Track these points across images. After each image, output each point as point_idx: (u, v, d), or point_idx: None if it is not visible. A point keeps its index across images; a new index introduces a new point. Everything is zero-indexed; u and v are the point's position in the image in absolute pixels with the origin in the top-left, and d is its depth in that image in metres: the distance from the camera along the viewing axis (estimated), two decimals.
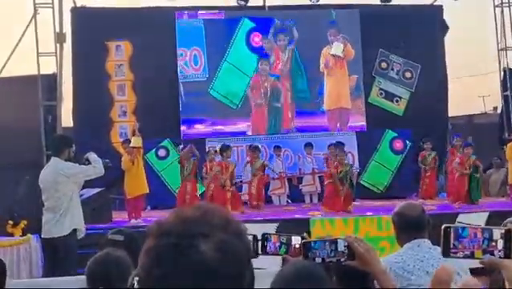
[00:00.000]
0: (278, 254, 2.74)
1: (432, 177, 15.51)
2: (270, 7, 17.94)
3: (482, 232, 1.80)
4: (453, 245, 1.79)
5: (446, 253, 1.81)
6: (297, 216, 12.80)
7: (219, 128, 16.69)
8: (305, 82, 17.37)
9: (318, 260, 2.31)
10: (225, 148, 14.25)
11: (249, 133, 16.95)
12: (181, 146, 14.56)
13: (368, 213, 12.58)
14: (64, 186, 7.73)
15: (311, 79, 17.48)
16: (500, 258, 1.78)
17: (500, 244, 1.78)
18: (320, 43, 17.63)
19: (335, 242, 2.30)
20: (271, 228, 10.42)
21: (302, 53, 17.34)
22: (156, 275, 1.29)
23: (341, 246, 2.28)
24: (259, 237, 2.82)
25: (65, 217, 7.69)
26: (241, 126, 16.81)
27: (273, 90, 17.11)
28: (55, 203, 7.73)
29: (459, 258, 1.82)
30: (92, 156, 7.97)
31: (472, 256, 1.80)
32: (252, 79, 16.93)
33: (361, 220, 11.78)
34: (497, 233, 1.79)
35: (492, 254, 1.78)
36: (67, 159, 7.82)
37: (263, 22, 17.28)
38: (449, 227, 1.81)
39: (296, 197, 16.29)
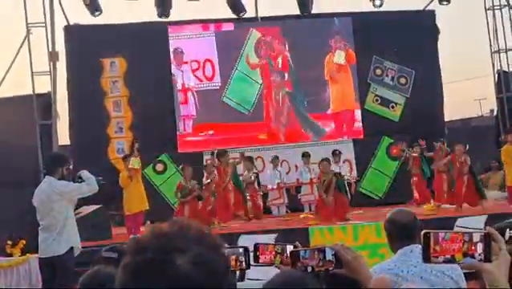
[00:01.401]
0: (272, 264, 2.75)
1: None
2: (263, 18, 18.03)
3: (463, 236, 1.80)
4: (434, 249, 1.80)
5: (427, 258, 1.81)
6: (296, 226, 12.80)
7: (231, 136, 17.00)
8: (309, 87, 17.75)
9: (309, 269, 2.32)
10: (222, 153, 14.30)
11: (263, 137, 17.31)
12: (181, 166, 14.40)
13: (367, 221, 12.58)
14: (59, 205, 7.71)
15: (314, 85, 17.78)
16: (480, 261, 1.79)
17: (480, 247, 1.78)
18: (321, 51, 17.91)
19: (323, 250, 2.30)
20: (270, 239, 10.42)
21: (305, 60, 17.60)
22: None
23: (329, 255, 2.29)
24: (251, 249, 2.82)
25: (61, 235, 7.68)
26: (255, 132, 17.28)
27: (282, 95, 17.59)
28: (51, 222, 7.70)
29: (439, 262, 1.82)
30: (85, 173, 7.95)
31: (452, 260, 1.81)
32: (263, 87, 17.42)
33: (360, 227, 11.76)
34: (477, 236, 1.80)
35: (473, 257, 1.79)
36: (60, 177, 7.80)
37: (269, 32, 17.69)
38: (429, 232, 1.82)
39: (295, 207, 16.27)
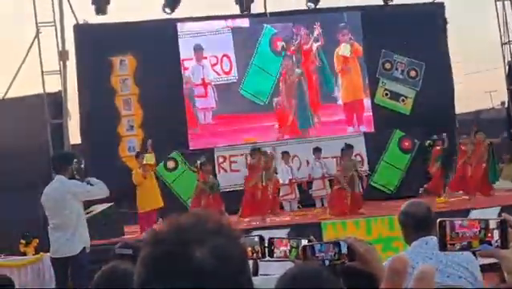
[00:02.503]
0: (287, 259, 2.73)
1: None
2: (272, 13, 18.04)
3: (479, 222, 1.79)
4: (450, 237, 1.78)
5: (443, 246, 1.80)
6: (308, 220, 12.79)
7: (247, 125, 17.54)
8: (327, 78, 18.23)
9: (326, 263, 2.31)
10: (205, 163, 14.25)
11: (276, 127, 17.76)
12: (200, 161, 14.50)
13: (380, 214, 12.54)
14: (71, 204, 7.75)
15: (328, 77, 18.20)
16: (497, 247, 1.77)
17: (496, 234, 1.77)
18: (332, 44, 18.16)
19: (338, 243, 2.30)
20: (282, 233, 10.41)
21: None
22: (153, 284, 1.29)
23: (344, 248, 2.28)
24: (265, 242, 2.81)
25: (75, 235, 7.73)
26: (269, 122, 17.72)
27: (298, 85, 18.00)
28: (63, 221, 7.74)
29: (456, 250, 1.81)
30: (94, 180, 8.03)
31: (469, 247, 1.79)
32: (278, 78, 17.89)
33: (373, 221, 11.73)
34: (494, 223, 1.78)
35: (489, 243, 1.77)
36: (70, 176, 7.85)
37: (283, 28, 18.08)
38: (444, 221, 1.81)
39: (307, 202, 16.26)
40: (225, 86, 17.62)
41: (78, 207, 7.88)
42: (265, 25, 17.97)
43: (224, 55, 17.61)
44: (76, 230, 7.74)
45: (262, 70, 17.76)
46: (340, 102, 18.18)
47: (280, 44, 17.93)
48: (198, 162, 14.31)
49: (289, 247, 2.72)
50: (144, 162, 13.07)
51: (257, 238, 2.80)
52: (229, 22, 17.94)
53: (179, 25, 17.56)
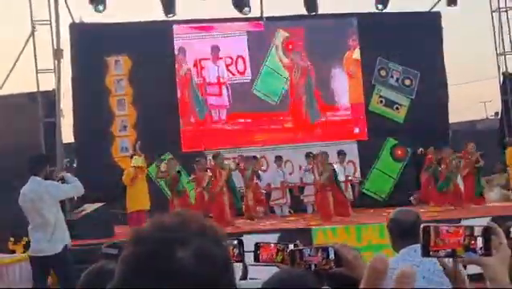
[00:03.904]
0: (273, 262, 2.73)
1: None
2: (268, 18, 18.09)
3: (464, 229, 1.77)
4: (434, 243, 1.77)
5: (426, 252, 1.78)
6: (299, 226, 12.78)
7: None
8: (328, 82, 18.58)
9: (312, 267, 2.30)
10: (216, 155, 14.32)
11: (289, 125, 17.93)
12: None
13: (370, 221, 12.55)
14: (49, 204, 7.87)
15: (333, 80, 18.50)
16: (481, 255, 1.76)
17: (480, 241, 1.75)
18: (340, 49, 18.47)
19: (326, 249, 2.29)
20: (273, 238, 10.39)
21: (326, 57, 18.39)
22: (133, 283, 1.27)
23: (331, 254, 2.27)
24: (252, 248, 2.80)
25: (55, 234, 7.85)
26: (280, 120, 18.17)
27: (305, 88, 18.42)
28: (43, 221, 7.84)
29: (440, 256, 1.80)
30: (68, 176, 8.20)
31: (453, 254, 1.78)
32: (289, 80, 18.35)
33: (363, 228, 11.72)
34: (478, 230, 1.76)
35: (474, 251, 1.76)
36: (45, 177, 7.97)
37: (294, 31, 18.43)
38: (428, 226, 1.79)
39: (298, 207, 16.27)
40: (239, 85, 18.07)
41: (56, 207, 7.99)
42: (278, 29, 18.36)
43: (239, 56, 18.08)
44: (56, 230, 7.85)
45: (274, 71, 18.20)
46: (347, 102, 18.37)
47: (291, 47, 18.39)
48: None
49: (275, 252, 2.71)
50: (134, 164, 13.05)
51: (235, 242, 2.80)
52: (244, 26, 18.41)
53: (193, 26, 17.95)
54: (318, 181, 13.87)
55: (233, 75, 18.08)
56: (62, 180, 8.06)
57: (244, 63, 18.09)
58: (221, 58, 18.06)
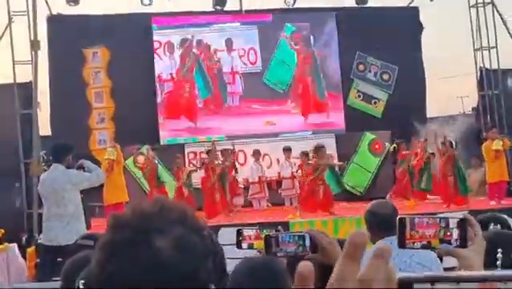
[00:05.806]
0: (253, 248, 2.75)
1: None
2: (247, 11, 18.12)
3: (439, 221, 1.78)
4: (410, 235, 1.77)
5: (402, 244, 1.78)
6: (276, 219, 12.80)
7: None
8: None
9: (288, 253, 2.29)
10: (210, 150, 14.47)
11: (295, 111, 18.70)
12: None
13: (348, 215, 12.62)
14: (70, 194, 7.82)
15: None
16: (456, 247, 1.76)
17: (456, 233, 1.76)
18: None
19: (302, 236, 2.28)
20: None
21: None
22: (110, 270, 1.25)
23: (307, 240, 2.27)
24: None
25: (72, 225, 7.75)
26: (287, 106, 18.89)
27: (311, 78, 18.99)
28: (61, 210, 7.78)
29: (416, 248, 1.80)
30: (88, 163, 8.08)
31: (429, 246, 1.78)
32: (295, 70, 19.00)
33: (340, 221, 11.81)
34: (453, 222, 1.77)
35: (449, 243, 1.77)
36: (67, 166, 7.89)
37: (301, 26, 18.90)
38: (404, 218, 1.80)
39: (276, 201, 16.28)
40: (251, 75, 18.80)
41: (76, 196, 7.95)
42: (286, 23, 18.96)
43: (250, 48, 18.79)
44: (74, 220, 7.79)
45: (282, 62, 18.75)
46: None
47: (297, 40, 18.98)
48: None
49: (256, 237, 2.73)
50: (106, 157, 13.01)
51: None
52: (253, 16, 19.16)
53: (210, 17, 18.64)
54: (309, 174, 13.83)
55: (245, 65, 18.81)
56: (83, 168, 7.98)
57: (255, 54, 18.84)
58: (234, 49, 18.80)
